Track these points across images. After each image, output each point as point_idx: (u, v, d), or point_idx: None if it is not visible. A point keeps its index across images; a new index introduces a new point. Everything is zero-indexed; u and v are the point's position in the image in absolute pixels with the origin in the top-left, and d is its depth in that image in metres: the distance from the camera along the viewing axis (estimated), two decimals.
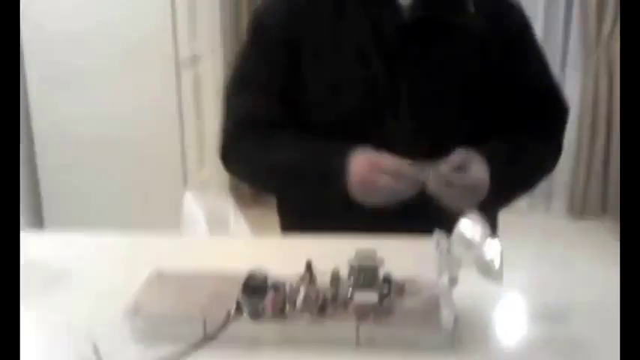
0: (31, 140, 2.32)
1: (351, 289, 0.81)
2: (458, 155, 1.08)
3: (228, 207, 1.52)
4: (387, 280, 0.82)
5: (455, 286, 0.78)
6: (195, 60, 2.39)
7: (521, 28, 1.23)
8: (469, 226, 0.81)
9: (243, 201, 3.25)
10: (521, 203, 3.17)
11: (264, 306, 0.80)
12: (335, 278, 0.83)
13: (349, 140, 1.12)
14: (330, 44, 1.17)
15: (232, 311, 0.80)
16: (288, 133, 1.19)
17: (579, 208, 3.23)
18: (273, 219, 1.31)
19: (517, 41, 1.21)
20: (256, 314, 0.80)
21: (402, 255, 0.87)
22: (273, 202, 1.34)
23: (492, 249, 0.77)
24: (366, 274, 0.82)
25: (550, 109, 1.25)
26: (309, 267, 0.84)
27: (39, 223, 2.36)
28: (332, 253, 0.85)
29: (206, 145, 2.52)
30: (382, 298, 0.80)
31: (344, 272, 0.83)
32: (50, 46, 2.23)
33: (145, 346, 0.79)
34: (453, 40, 1.17)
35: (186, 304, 0.82)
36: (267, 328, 0.79)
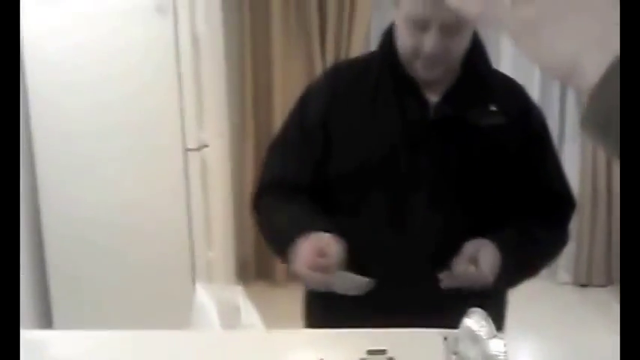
0: (38, 231, 2.36)
1: None
2: (470, 246, 1.16)
3: (238, 297, 1.54)
4: None
5: None
6: (202, 146, 2.45)
7: (540, 130, 1.30)
8: (475, 322, 0.84)
9: (248, 276, 3.30)
10: None
11: None
12: None
13: (368, 209, 1.21)
14: (363, 128, 1.25)
15: None
16: (303, 200, 1.27)
17: (585, 279, 3.25)
18: (277, 292, 1.34)
19: (535, 142, 1.28)
20: None
21: (413, 349, 0.89)
22: (275, 275, 1.38)
23: (497, 346, 0.80)
24: None
25: (560, 204, 1.32)
26: None
27: (48, 322, 2.39)
28: (344, 347, 0.88)
29: (213, 229, 2.56)
30: None
31: None
32: (60, 129, 2.30)
33: None
34: (475, 135, 1.23)
35: None
36: None
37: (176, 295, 2.31)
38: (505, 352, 0.80)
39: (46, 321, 2.40)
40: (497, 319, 1.23)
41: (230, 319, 1.41)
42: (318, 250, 1.10)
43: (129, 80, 2.27)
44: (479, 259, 1.15)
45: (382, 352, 0.87)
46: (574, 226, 3.14)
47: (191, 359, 0.97)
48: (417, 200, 1.22)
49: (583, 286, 3.27)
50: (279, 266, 3.05)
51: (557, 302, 3.07)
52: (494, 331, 0.82)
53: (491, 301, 1.14)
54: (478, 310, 0.86)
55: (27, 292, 2.32)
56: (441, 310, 0.95)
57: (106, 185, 2.35)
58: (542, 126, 1.31)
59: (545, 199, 1.29)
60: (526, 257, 1.24)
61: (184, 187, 2.38)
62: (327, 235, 1.13)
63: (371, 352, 0.87)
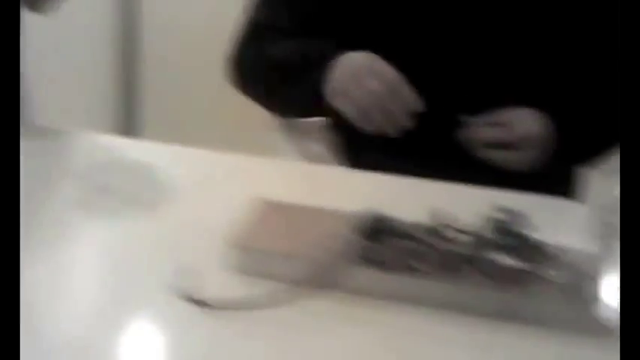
0: None
1: (490, 249, 0.69)
2: (501, 111, 0.95)
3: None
4: (539, 247, 0.69)
5: (611, 257, 0.65)
6: None
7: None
8: None
9: None
10: None
11: (387, 255, 0.68)
12: (478, 235, 0.71)
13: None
14: None
15: (347, 256, 0.68)
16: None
17: None
18: None
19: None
20: (376, 263, 0.68)
21: (544, 216, 0.73)
22: None
23: None
24: (509, 234, 0.70)
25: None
26: (438, 217, 0.72)
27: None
28: (462, 203, 0.73)
29: None
30: (533, 265, 0.67)
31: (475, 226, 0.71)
32: None
33: (245, 279, 0.69)
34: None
35: (297, 242, 0.71)
36: (388, 281, 0.67)
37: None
38: None
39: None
40: None
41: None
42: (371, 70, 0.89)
43: None
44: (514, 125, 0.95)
45: (514, 213, 0.71)
46: None
47: (274, 187, 0.83)
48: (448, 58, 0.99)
49: None
50: None
51: None
52: None
53: None
54: None
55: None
56: None
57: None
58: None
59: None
60: (593, 116, 1.00)
61: None
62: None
63: (504, 210, 0.71)
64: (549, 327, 0.64)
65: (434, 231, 0.71)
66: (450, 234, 0.71)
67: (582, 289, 0.66)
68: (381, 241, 0.70)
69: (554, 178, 0.98)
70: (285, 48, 1.01)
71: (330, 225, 0.73)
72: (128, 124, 2.24)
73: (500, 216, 0.71)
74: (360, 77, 0.89)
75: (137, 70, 2.21)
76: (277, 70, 1.01)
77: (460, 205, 0.75)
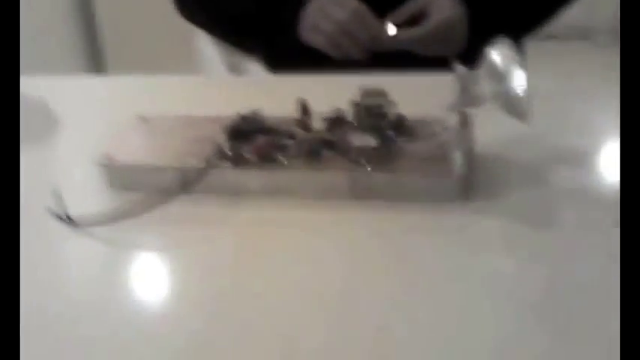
0: None
1: (352, 132, 0.69)
2: (413, 2, 0.97)
3: None
4: (399, 122, 0.70)
5: (466, 125, 0.65)
6: None
7: None
8: (497, 54, 0.66)
9: None
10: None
11: (249, 151, 0.69)
12: (334, 120, 0.71)
13: None
14: None
15: (211, 158, 0.69)
16: None
17: None
18: None
19: None
20: (239, 160, 0.69)
21: (413, 94, 0.73)
22: None
23: (519, 81, 0.63)
24: (373, 115, 0.70)
25: None
26: (304, 108, 0.72)
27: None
28: (336, 92, 0.73)
29: None
30: (389, 142, 0.68)
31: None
32: None
33: (117, 195, 0.70)
34: None
35: (165, 151, 0.72)
36: (251, 176, 0.68)
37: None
38: (525, 87, 0.63)
39: None
40: None
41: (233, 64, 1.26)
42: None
43: None
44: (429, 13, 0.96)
45: (380, 92, 0.71)
46: None
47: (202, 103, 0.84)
48: None
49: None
50: None
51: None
52: (521, 63, 0.65)
53: None
54: (503, 40, 0.67)
55: None
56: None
57: None
58: None
59: None
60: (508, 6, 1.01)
61: None
62: None
63: (367, 93, 0.71)
64: (410, 200, 0.65)
65: (298, 123, 0.72)
66: (313, 123, 0.71)
67: (442, 159, 0.66)
68: (246, 139, 0.70)
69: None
70: None
71: (204, 131, 0.74)
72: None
73: (362, 98, 0.70)
74: (327, 9, 0.95)
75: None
76: (240, 16, 1.05)
77: (331, 94, 0.74)
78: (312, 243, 0.62)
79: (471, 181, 0.66)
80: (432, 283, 0.56)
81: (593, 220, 0.62)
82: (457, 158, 0.65)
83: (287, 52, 1.04)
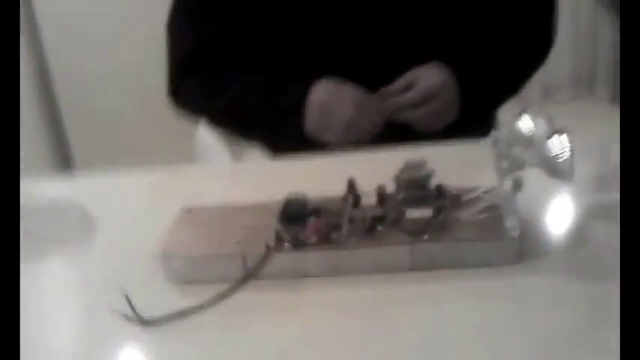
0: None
1: (401, 206, 0.72)
2: (405, 75, 1.04)
3: None
4: (441, 191, 0.73)
5: (519, 190, 0.69)
6: None
7: None
8: (529, 121, 0.71)
9: None
10: (564, 93, 3.05)
11: (306, 234, 0.72)
12: (381, 195, 0.74)
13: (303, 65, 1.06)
14: None
15: (272, 243, 0.71)
16: (241, 66, 1.10)
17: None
18: None
19: None
20: (298, 244, 0.71)
21: (452, 164, 0.77)
22: None
23: (558, 144, 0.67)
24: (416, 187, 0.73)
25: None
26: (351, 186, 0.75)
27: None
28: (373, 169, 0.76)
29: None
30: (437, 212, 0.71)
31: (391, 189, 0.74)
32: None
33: (180, 288, 0.72)
34: None
35: (221, 241, 0.74)
36: (312, 258, 0.71)
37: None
38: (568, 150, 0.67)
39: None
40: None
41: (234, 151, 1.30)
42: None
43: None
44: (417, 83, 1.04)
45: (422, 163, 0.74)
46: (610, 37, 2.95)
47: (203, 191, 0.86)
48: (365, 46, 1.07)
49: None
50: None
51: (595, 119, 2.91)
52: (554, 128, 0.69)
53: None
54: (532, 107, 0.72)
55: None
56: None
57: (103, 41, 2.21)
58: None
59: None
60: (489, 65, 1.09)
61: None
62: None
63: (409, 166, 0.74)
64: (469, 267, 0.68)
65: (347, 201, 0.75)
66: (363, 200, 0.75)
67: (494, 223, 0.70)
68: (299, 222, 0.73)
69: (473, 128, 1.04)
70: (244, 89, 1.09)
71: (254, 219, 0.76)
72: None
73: (405, 172, 0.74)
74: (331, 108, 1.02)
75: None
76: (242, 112, 1.10)
77: (374, 170, 0.78)
78: (377, 321, 0.64)
79: (522, 242, 0.70)
80: (505, 346, 0.58)
81: None
82: (510, 221, 0.68)
83: (289, 139, 1.08)
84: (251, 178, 0.98)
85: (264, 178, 0.96)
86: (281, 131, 1.08)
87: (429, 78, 1.05)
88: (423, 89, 1.03)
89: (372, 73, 1.06)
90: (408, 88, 1.06)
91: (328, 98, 1.03)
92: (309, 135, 1.05)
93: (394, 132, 1.02)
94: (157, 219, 0.81)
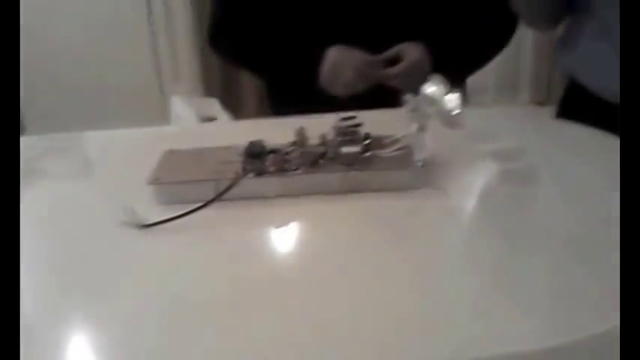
0: None
1: (337, 145, 0.96)
2: (394, 49, 1.37)
3: (214, 108, 1.65)
4: (367, 136, 0.97)
5: (423, 132, 0.93)
6: None
7: None
8: (432, 85, 0.96)
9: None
10: (487, 97, 3.36)
11: (266, 165, 0.95)
12: (323, 139, 0.98)
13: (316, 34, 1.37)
14: None
15: (239, 172, 0.94)
16: (273, 26, 1.41)
17: (544, 99, 3.38)
18: None
19: None
20: (260, 173, 0.94)
21: (380, 122, 1.01)
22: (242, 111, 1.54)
23: (451, 100, 0.92)
24: (349, 133, 0.97)
25: None
26: (301, 131, 0.99)
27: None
28: (319, 127, 1.00)
29: (180, 61, 2.62)
30: (364, 149, 0.95)
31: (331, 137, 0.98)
32: None
33: (167, 207, 0.94)
34: None
35: (199, 171, 0.97)
36: (271, 183, 0.94)
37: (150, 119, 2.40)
38: (458, 105, 0.92)
39: None
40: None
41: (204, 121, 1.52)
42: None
43: None
44: (403, 57, 1.35)
45: (353, 117, 0.98)
46: (533, 44, 3.26)
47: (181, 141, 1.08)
48: (363, 21, 1.38)
49: (539, 104, 3.41)
50: (246, 102, 3.17)
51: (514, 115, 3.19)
52: (449, 90, 0.94)
53: None
54: (435, 75, 0.97)
55: None
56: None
57: (73, 21, 2.37)
58: None
59: None
60: (465, 49, 1.41)
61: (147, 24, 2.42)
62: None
63: (343, 119, 0.98)
64: (387, 190, 0.92)
65: (296, 144, 0.98)
66: (308, 143, 0.98)
67: (405, 157, 0.95)
68: (260, 158, 0.96)
69: None
70: (275, 47, 1.41)
71: (224, 157, 0.99)
72: None
73: (341, 122, 0.98)
74: (339, 73, 1.35)
75: None
76: (274, 65, 1.43)
77: (319, 126, 1.01)
78: (318, 231, 0.88)
79: (426, 171, 0.94)
80: (407, 244, 0.83)
81: (519, 195, 0.92)
82: (417, 155, 0.94)
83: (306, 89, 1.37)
84: (220, 133, 1.21)
85: (231, 133, 1.19)
86: (304, 82, 1.36)
87: (413, 54, 1.35)
88: (411, 62, 1.35)
89: (367, 45, 1.36)
90: (394, 60, 1.37)
91: (340, 58, 1.34)
92: (322, 86, 1.36)
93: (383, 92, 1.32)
94: (143, 161, 1.03)
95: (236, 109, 3.50)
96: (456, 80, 1.43)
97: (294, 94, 1.41)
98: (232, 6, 1.44)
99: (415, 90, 1.29)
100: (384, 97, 1.25)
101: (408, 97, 0.97)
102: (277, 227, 0.90)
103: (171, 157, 1.02)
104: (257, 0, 1.43)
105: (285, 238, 0.87)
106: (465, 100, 1.40)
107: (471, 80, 1.53)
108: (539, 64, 3.37)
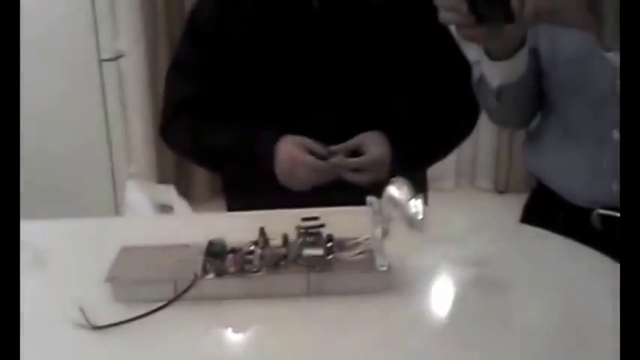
0: None
1: (299, 247, 0.95)
2: (355, 139, 1.31)
3: (171, 195, 1.63)
4: (330, 238, 0.97)
5: (386, 236, 0.93)
6: (118, 57, 2.47)
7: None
8: (396, 188, 0.96)
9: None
10: (448, 182, 3.38)
11: (226, 266, 0.93)
12: (285, 239, 0.97)
13: (273, 118, 1.33)
14: (252, 35, 1.34)
15: (199, 272, 0.92)
16: (220, 115, 1.37)
17: (503, 187, 3.43)
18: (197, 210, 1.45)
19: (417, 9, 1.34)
20: (220, 273, 0.93)
21: (341, 221, 1.00)
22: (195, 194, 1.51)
23: (416, 205, 0.93)
24: (311, 234, 0.97)
25: (454, 67, 1.39)
26: (262, 232, 0.98)
27: None
28: (280, 224, 0.99)
29: (132, 142, 2.60)
30: (327, 252, 0.95)
31: (292, 237, 0.97)
32: None
33: (125, 306, 0.91)
34: (360, 16, 1.34)
35: (157, 270, 0.95)
36: (231, 284, 0.92)
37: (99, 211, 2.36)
38: (421, 209, 0.92)
39: None
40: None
41: (163, 212, 1.50)
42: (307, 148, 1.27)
43: None
44: (364, 148, 1.30)
45: (315, 218, 0.98)
46: (493, 135, 3.31)
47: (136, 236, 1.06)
48: (316, 98, 1.34)
49: (501, 192, 3.44)
50: (199, 185, 3.15)
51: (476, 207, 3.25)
52: (413, 194, 0.94)
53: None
54: (399, 178, 0.98)
55: None
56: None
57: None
58: None
59: (437, 65, 1.38)
60: (423, 138, 1.38)
61: (101, 99, 2.41)
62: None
63: (305, 219, 0.98)
64: (349, 293, 0.91)
65: (258, 244, 0.97)
66: (270, 243, 0.97)
67: (367, 261, 0.94)
68: (220, 258, 0.94)
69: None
70: (222, 138, 1.35)
71: (183, 256, 0.97)
72: None
73: (303, 224, 0.98)
74: (294, 174, 1.29)
75: None
76: (221, 157, 1.37)
77: (279, 223, 1.00)
78: (280, 333, 0.87)
79: (389, 275, 0.94)
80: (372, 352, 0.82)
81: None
82: (379, 260, 0.93)
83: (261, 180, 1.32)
84: (177, 227, 1.19)
85: (189, 228, 1.17)
86: (256, 177, 1.32)
87: (374, 147, 1.30)
88: (374, 155, 1.29)
89: (324, 128, 1.32)
90: (354, 151, 1.31)
91: (290, 165, 1.28)
92: (280, 182, 1.30)
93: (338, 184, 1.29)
94: (98, 254, 1.00)
95: (190, 192, 3.48)
96: (417, 169, 1.45)
97: (248, 186, 1.37)
98: (180, 103, 1.41)
99: (375, 184, 1.30)
100: (343, 187, 1.26)
101: (371, 199, 0.97)
102: (236, 332, 0.87)
103: (128, 255, 1.00)
104: (210, 91, 1.39)
105: (243, 344, 0.85)
106: (425, 188, 1.42)
107: (431, 167, 1.52)
108: (499, 152, 3.40)
